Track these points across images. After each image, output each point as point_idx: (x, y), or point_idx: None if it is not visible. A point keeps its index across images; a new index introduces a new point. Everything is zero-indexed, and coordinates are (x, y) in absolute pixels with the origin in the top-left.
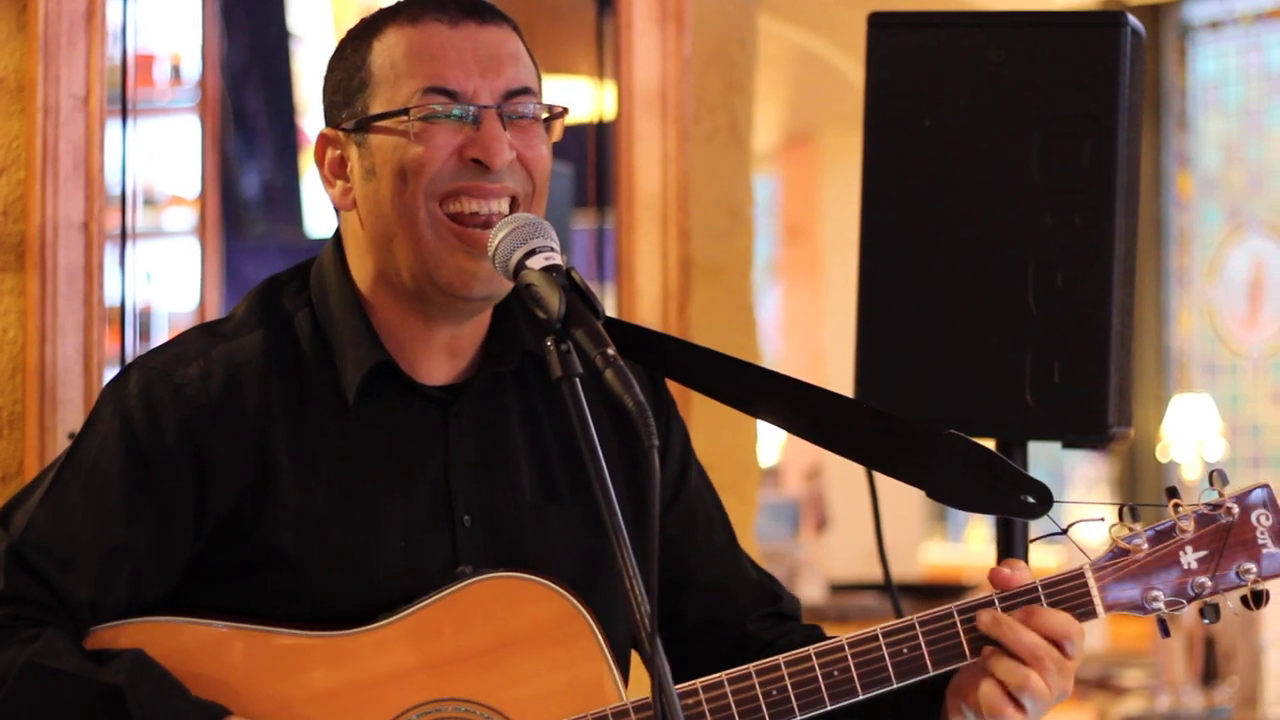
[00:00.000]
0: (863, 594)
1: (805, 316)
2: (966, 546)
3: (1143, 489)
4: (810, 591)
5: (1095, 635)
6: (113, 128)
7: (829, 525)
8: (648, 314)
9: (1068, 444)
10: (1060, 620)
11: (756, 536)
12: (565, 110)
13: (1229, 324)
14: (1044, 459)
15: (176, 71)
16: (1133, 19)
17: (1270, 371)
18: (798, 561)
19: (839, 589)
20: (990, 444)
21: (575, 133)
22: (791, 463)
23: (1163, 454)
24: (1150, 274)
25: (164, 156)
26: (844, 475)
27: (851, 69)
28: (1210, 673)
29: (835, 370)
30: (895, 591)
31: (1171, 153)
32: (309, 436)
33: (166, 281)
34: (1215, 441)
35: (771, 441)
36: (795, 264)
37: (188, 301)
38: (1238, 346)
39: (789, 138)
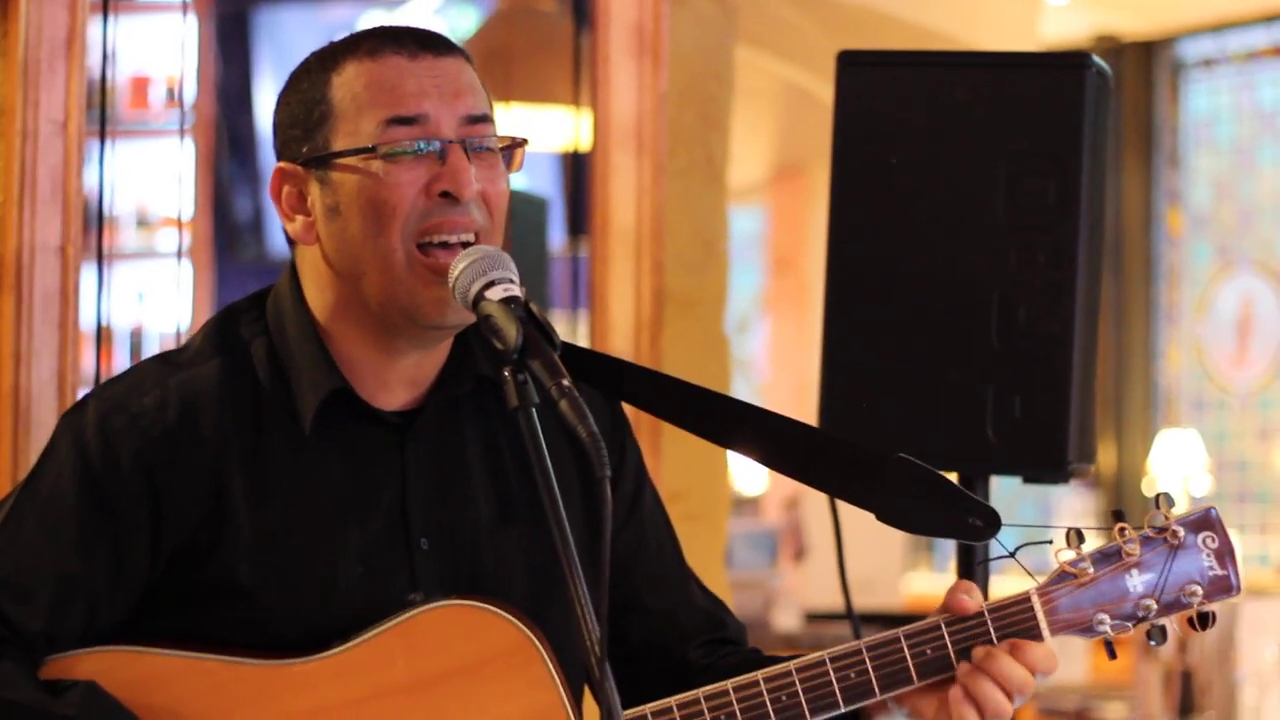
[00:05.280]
0: (839, 623)
1: (793, 347)
2: (951, 577)
3: (1129, 523)
4: (786, 621)
5: (1075, 667)
6: (93, 152)
7: (807, 554)
8: (620, 344)
9: (1028, 479)
10: (1044, 654)
11: (734, 565)
12: (525, 141)
13: (1217, 361)
14: (1033, 491)
15: (172, 94)
16: (1098, 60)
17: (1257, 409)
18: (774, 590)
19: (814, 618)
20: (952, 478)
21: (554, 161)
22: (772, 492)
23: (1149, 488)
24: (1139, 310)
25: (157, 178)
26: (823, 505)
27: None
28: (1187, 706)
29: None
30: (857, 620)
31: (1162, 190)
32: (265, 465)
33: (158, 302)
34: (1201, 477)
35: (759, 471)
36: (783, 296)
37: (179, 322)
38: (1226, 383)
39: (778, 170)
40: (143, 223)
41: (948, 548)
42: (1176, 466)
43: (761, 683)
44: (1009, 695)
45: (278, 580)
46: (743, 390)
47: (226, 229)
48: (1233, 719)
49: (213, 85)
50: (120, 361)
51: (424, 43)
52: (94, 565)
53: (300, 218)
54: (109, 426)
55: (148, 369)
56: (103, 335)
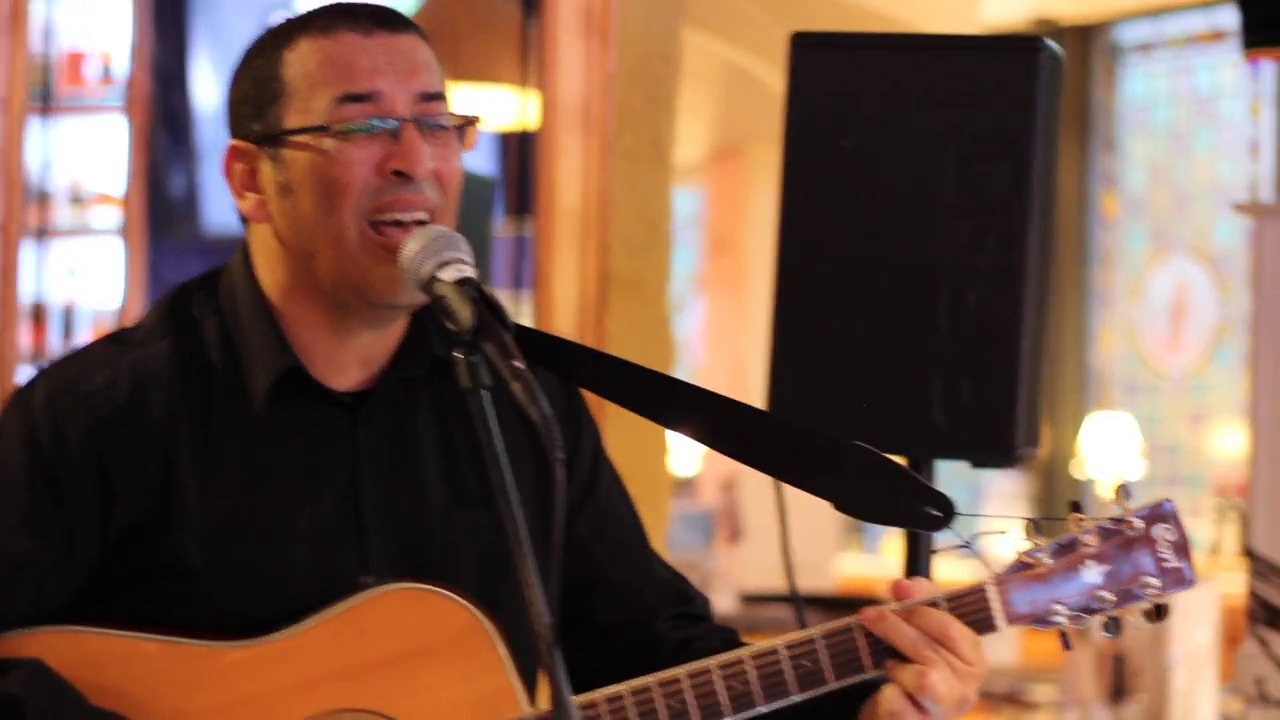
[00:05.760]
0: (774, 605)
1: (729, 328)
2: (881, 559)
3: (1059, 506)
4: (721, 602)
5: (1006, 650)
6: (36, 129)
7: (743, 536)
8: (564, 325)
9: (976, 463)
10: (936, 619)
11: (669, 546)
12: (478, 118)
13: (1150, 345)
14: (962, 474)
15: (107, 70)
16: (1051, 44)
17: (1189, 393)
18: (710, 572)
19: (750, 600)
20: (900, 461)
21: (498, 140)
22: (708, 473)
23: (1080, 471)
24: (1073, 293)
25: (91, 154)
26: (759, 487)
27: (779, 84)
28: (1119, 690)
29: (757, 382)
30: (801, 604)
31: (1097, 173)
32: (216, 445)
33: (91, 279)
34: (1133, 460)
35: (693, 452)
36: (720, 276)
37: (112, 299)
38: (1158, 367)
39: (716, 151)
40: (76, 199)
41: (876, 530)
42: (1108, 450)
43: (715, 670)
44: (919, 662)
45: (227, 561)
46: (678, 372)
47: (160, 206)
48: (1165, 702)
49: (148, 61)
50: (53, 339)
51: (378, 19)
52: (43, 545)
53: (252, 195)
54: (58, 406)
55: (98, 348)
56: (38, 312)
